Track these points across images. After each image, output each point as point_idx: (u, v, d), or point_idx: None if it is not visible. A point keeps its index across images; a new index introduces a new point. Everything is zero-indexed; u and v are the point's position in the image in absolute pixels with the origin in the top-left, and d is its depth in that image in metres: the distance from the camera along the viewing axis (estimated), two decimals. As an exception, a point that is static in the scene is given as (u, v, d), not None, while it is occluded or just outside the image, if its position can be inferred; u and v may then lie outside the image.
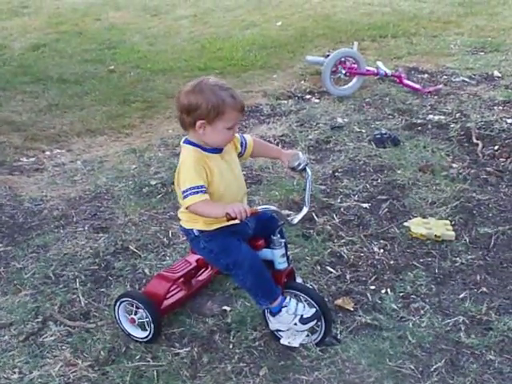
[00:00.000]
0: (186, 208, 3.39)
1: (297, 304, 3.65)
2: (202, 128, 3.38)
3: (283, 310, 3.62)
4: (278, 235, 3.64)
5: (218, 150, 3.52)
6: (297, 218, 3.66)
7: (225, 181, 3.50)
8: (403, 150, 6.27)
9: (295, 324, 3.63)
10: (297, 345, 3.67)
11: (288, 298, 3.67)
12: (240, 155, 3.73)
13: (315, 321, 3.65)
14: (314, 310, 3.64)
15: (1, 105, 8.44)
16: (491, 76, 8.52)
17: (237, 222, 3.32)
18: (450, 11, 12.21)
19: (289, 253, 3.99)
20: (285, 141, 6.73)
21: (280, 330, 3.74)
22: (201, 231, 3.58)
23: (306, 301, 3.70)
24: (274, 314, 3.67)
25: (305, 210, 3.70)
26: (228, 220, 3.21)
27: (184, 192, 3.35)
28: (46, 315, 4.19)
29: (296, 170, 3.73)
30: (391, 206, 5.29)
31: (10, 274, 4.67)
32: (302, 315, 3.62)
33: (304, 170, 3.70)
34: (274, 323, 3.72)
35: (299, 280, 4.02)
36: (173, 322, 4.04)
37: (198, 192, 3.31)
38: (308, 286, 4.15)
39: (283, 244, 3.68)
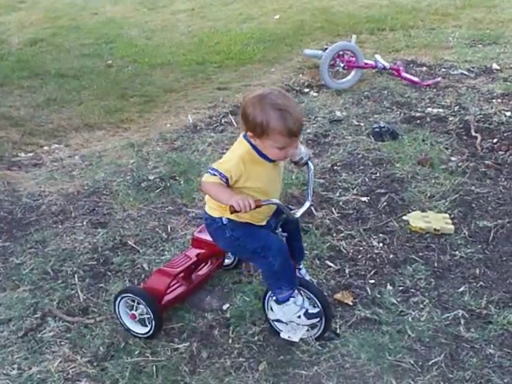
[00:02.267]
0: (201, 183, 3.40)
1: (303, 298, 3.66)
2: (253, 139, 3.38)
3: (291, 299, 3.61)
4: (280, 229, 3.67)
5: (271, 159, 3.48)
6: (299, 212, 3.65)
7: (270, 188, 3.52)
8: (402, 144, 6.26)
9: (299, 317, 3.62)
10: (297, 339, 3.67)
11: (296, 291, 3.66)
12: None
13: (318, 319, 3.66)
14: (318, 308, 3.66)
15: (-1, 100, 8.44)
16: (490, 69, 8.50)
17: (263, 223, 3.49)
18: (448, 4, 12.17)
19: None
20: (283, 135, 6.71)
21: (279, 321, 3.74)
22: (230, 220, 3.56)
23: (306, 296, 3.70)
24: (280, 303, 3.64)
25: (307, 204, 3.68)
26: (232, 213, 3.22)
27: (209, 168, 3.36)
28: (45, 311, 4.19)
29: (298, 164, 3.71)
30: (390, 200, 5.29)
31: (8, 270, 4.67)
32: (307, 309, 3.62)
33: (306, 164, 3.69)
34: (276, 312, 3.71)
35: (307, 277, 4.02)
36: (172, 317, 4.05)
37: (216, 175, 3.30)
38: (308, 280, 4.15)
39: (285, 238, 3.70)
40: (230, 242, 3.68)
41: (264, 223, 3.64)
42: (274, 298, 3.68)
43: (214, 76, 9.07)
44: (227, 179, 3.32)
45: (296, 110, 3.32)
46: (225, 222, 3.58)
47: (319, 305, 3.65)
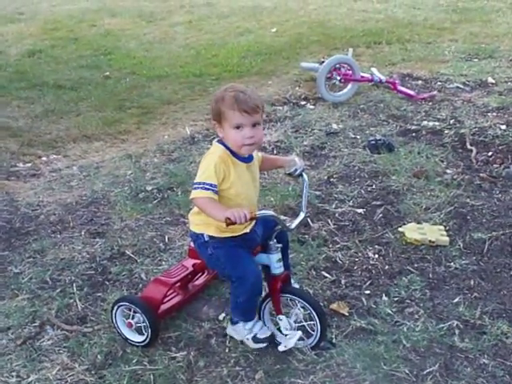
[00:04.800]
0: (192, 199, 3.40)
1: (255, 323, 3.73)
2: (219, 130, 3.45)
3: (241, 322, 3.72)
4: (275, 240, 3.66)
5: (245, 160, 3.53)
6: (294, 223, 3.68)
7: (246, 191, 3.53)
8: (398, 156, 6.31)
9: (247, 339, 3.73)
10: (292, 344, 3.68)
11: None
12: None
13: (266, 343, 3.73)
14: (269, 333, 3.73)
15: (-3, 110, 8.47)
16: (485, 82, 8.57)
17: (246, 231, 3.51)
18: (444, 18, 12.28)
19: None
20: (280, 147, 6.76)
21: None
22: (211, 237, 3.59)
23: (301, 305, 3.73)
24: (233, 323, 3.77)
25: (301, 215, 3.72)
26: (228, 225, 3.22)
27: (195, 184, 3.36)
28: (43, 319, 4.21)
29: (293, 176, 3.74)
30: (386, 212, 5.32)
31: (7, 279, 4.69)
32: (256, 334, 3.70)
33: (300, 175, 3.72)
34: (229, 329, 3.85)
35: (296, 286, 4.06)
36: (169, 326, 4.07)
37: (208, 189, 3.31)
38: (303, 290, 4.19)
39: (279, 249, 3.69)
40: (212, 260, 3.70)
41: (248, 230, 3.62)
42: (230, 316, 3.82)
43: (211, 88, 9.09)
44: (216, 187, 3.35)
45: (251, 92, 3.42)
46: (206, 239, 3.60)
47: (310, 309, 3.68)
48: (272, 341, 3.73)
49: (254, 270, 3.59)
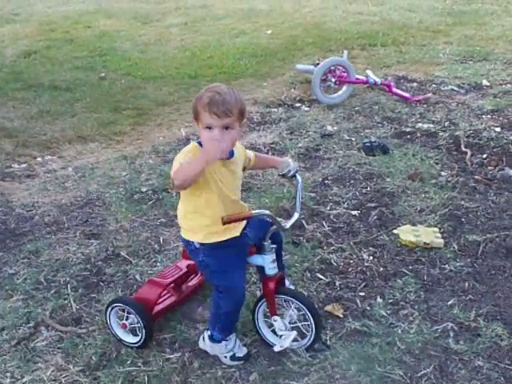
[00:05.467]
0: (173, 178, 3.27)
1: (235, 342, 3.75)
2: (197, 126, 3.39)
3: (223, 342, 3.72)
4: (269, 241, 3.66)
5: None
6: (289, 223, 3.68)
7: (222, 188, 3.45)
8: (392, 158, 6.32)
9: (225, 357, 3.74)
10: (288, 344, 3.68)
11: (233, 335, 3.77)
12: (243, 169, 3.74)
13: (243, 361, 3.75)
14: (246, 351, 3.77)
15: (-8, 111, 8.46)
16: (480, 85, 8.60)
17: (236, 234, 3.50)
18: (439, 20, 12.32)
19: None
20: (275, 148, 6.77)
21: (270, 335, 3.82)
22: (201, 244, 3.55)
23: (296, 306, 3.73)
24: (213, 341, 3.75)
25: (296, 216, 3.73)
26: (224, 224, 3.21)
27: (173, 175, 3.27)
28: (38, 320, 4.21)
29: (286, 177, 3.75)
30: (380, 214, 5.33)
31: (1, 280, 4.68)
32: (234, 353, 3.73)
33: (294, 176, 3.73)
34: (206, 345, 3.81)
35: (291, 287, 4.07)
36: (164, 327, 4.06)
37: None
38: (298, 291, 4.19)
39: (273, 250, 3.69)
40: (202, 267, 3.70)
41: (238, 234, 3.58)
42: (209, 333, 3.77)
43: (206, 90, 9.08)
44: None
45: (229, 94, 3.31)
46: (197, 246, 3.57)
47: (305, 310, 3.68)
48: (248, 359, 3.77)
49: (241, 285, 3.60)
